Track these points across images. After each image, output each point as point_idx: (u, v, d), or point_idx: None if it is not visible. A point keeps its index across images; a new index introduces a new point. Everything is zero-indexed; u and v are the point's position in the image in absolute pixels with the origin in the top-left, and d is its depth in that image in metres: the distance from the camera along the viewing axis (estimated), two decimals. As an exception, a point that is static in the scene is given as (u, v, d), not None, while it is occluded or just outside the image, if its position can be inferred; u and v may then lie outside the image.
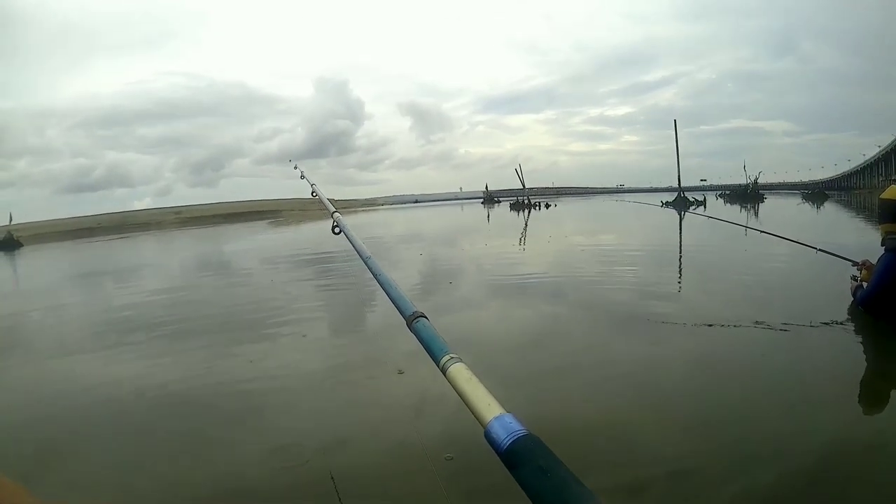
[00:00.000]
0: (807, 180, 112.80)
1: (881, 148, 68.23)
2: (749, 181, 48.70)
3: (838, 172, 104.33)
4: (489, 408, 0.75)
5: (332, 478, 2.49)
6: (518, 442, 0.69)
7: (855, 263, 5.45)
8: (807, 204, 36.75)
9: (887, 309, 4.68)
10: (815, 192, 53.30)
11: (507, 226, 24.03)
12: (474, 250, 14.40)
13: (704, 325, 5.19)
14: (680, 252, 11.67)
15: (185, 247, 26.42)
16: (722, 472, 2.55)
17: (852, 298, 5.30)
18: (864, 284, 5.09)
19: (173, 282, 11.81)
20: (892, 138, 58.64)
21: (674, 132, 45.88)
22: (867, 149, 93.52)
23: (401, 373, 4.14)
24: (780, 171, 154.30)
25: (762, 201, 40.21)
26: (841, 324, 4.86)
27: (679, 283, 8.07)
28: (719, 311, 5.68)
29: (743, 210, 28.93)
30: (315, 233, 24.94)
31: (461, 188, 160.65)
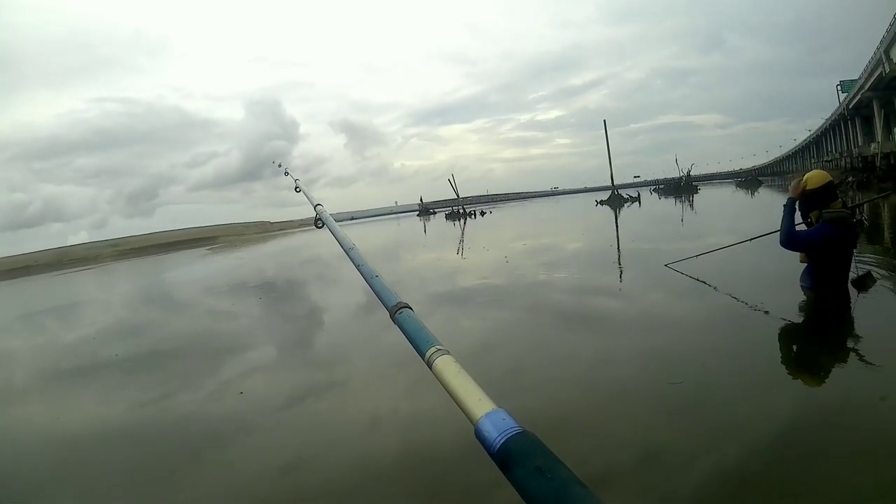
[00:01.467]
0: (739, 168, 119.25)
1: (811, 132, 72.14)
2: (682, 174, 50.75)
3: (771, 158, 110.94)
4: (479, 403, 0.71)
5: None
6: (512, 440, 0.65)
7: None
8: (741, 191, 38.49)
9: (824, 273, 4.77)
10: (749, 179, 56.37)
11: (445, 236, 24.04)
12: (415, 262, 14.44)
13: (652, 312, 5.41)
14: (618, 249, 11.97)
15: (127, 281, 25.56)
16: (691, 451, 2.60)
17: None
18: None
19: (121, 320, 11.44)
20: (822, 122, 62.00)
21: (604, 132, 47.73)
22: (798, 134, 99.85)
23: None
24: (713, 161, 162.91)
25: (696, 192, 41.90)
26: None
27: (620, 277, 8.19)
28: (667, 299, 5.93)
29: (678, 203, 29.96)
30: (256, 260, 25.23)
31: (396, 202, 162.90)
